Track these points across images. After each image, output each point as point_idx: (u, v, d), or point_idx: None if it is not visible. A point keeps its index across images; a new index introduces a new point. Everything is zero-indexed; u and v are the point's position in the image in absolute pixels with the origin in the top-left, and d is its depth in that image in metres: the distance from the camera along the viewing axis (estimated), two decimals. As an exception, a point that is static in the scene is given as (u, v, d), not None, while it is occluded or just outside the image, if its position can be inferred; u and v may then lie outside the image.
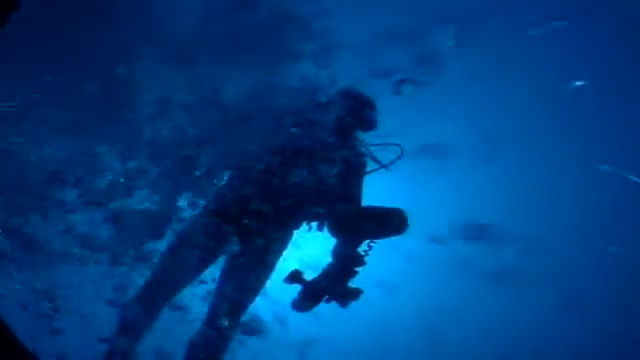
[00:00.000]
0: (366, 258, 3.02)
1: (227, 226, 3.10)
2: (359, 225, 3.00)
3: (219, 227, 3.12)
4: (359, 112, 3.21)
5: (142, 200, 3.35)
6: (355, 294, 2.95)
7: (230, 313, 3.09)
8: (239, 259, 3.16)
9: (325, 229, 3.17)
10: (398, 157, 3.24)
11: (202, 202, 3.29)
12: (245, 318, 3.20)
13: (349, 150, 3.22)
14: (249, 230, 3.09)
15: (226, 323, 3.07)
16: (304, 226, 3.29)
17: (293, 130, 3.14)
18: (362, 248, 3.05)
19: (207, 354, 3.07)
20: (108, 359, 3.00)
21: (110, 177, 3.43)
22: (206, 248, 3.12)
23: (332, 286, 2.93)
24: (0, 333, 2.10)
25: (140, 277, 3.26)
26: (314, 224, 3.25)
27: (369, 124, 3.25)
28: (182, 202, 3.31)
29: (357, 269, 3.00)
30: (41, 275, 3.87)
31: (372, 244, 3.02)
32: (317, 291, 2.91)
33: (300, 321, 3.60)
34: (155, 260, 3.24)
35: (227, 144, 3.25)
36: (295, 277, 2.96)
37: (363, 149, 3.28)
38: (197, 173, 3.22)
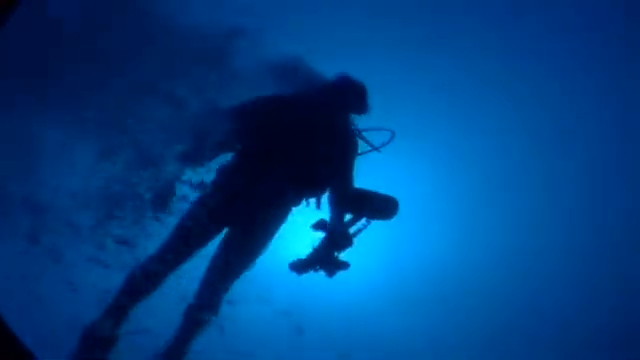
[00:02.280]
0: (355, 239, 3.25)
1: (229, 202, 3.31)
2: (362, 203, 3.24)
3: (222, 203, 3.31)
4: (357, 97, 3.46)
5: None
6: (342, 266, 3.19)
7: (223, 281, 3.37)
8: (238, 232, 3.40)
9: (323, 206, 3.41)
10: (389, 140, 3.47)
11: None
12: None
13: (346, 131, 3.49)
14: (250, 206, 3.32)
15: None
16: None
17: (295, 110, 3.38)
18: (354, 228, 3.28)
19: (199, 319, 3.35)
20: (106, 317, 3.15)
21: None
22: (209, 223, 3.31)
23: (322, 257, 3.18)
24: (0, 333, 2.12)
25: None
26: (312, 200, 3.48)
27: (364, 108, 3.49)
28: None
29: (346, 245, 3.22)
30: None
31: (366, 224, 3.25)
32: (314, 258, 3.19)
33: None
34: None
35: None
36: (321, 225, 3.24)
37: (356, 131, 3.53)
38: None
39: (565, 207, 9.72)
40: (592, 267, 9.79)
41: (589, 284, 9.87)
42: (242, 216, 3.35)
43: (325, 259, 3.17)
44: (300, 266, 3.20)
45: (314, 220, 3.30)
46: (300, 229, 3.42)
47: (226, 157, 3.48)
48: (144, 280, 3.19)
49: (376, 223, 3.28)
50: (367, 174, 3.55)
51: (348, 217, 3.30)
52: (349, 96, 3.43)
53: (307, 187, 3.41)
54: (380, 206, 3.22)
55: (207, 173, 3.46)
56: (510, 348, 9.36)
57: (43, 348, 3.05)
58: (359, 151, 3.53)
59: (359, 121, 3.54)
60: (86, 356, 3.06)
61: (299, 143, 3.33)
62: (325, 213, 3.41)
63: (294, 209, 3.53)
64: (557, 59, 9.13)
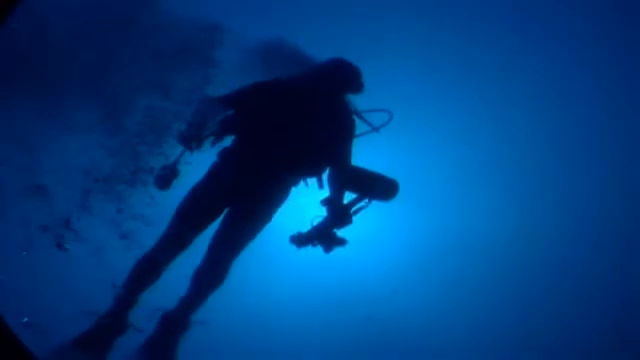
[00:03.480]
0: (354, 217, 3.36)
1: (229, 184, 3.45)
2: (360, 182, 3.35)
3: (222, 185, 3.46)
4: (352, 76, 3.58)
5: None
6: (340, 242, 3.31)
7: (227, 253, 3.47)
8: (238, 212, 3.51)
9: (325, 185, 3.51)
10: (388, 121, 3.57)
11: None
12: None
13: (343, 112, 3.58)
14: (249, 188, 3.45)
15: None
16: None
17: (292, 93, 3.48)
18: (354, 207, 3.40)
19: (205, 287, 3.46)
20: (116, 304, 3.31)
21: None
22: (212, 202, 3.47)
23: (321, 233, 3.30)
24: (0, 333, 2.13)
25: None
26: (311, 181, 3.61)
27: (359, 87, 3.61)
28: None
29: (345, 223, 3.34)
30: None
31: (367, 203, 3.35)
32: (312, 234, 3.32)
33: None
34: None
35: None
36: (328, 201, 3.41)
37: (355, 112, 3.62)
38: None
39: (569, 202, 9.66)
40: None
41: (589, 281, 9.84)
42: (242, 197, 3.46)
43: (324, 235, 3.28)
44: (300, 239, 3.32)
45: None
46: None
47: (227, 141, 3.60)
48: (149, 266, 3.34)
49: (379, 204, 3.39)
50: (372, 157, 3.62)
51: (352, 196, 3.39)
52: (344, 76, 3.54)
53: (304, 168, 3.52)
54: (378, 187, 3.31)
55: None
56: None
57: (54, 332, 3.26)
58: (357, 132, 3.62)
59: (355, 102, 3.64)
60: (95, 342, 3.21)
61: (296, 126, 3.43)
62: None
63: (294, 189, 3.65)
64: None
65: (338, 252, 3.35)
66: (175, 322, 3.43)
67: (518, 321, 9.61)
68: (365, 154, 3.64)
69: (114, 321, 3.28)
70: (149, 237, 3.51)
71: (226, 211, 3.52)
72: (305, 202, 3.60)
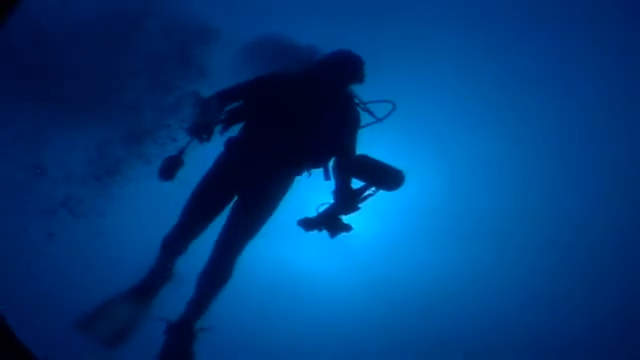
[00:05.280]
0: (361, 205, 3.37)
1: (235, 172, 3.51)
2: (365, 170, 3.31)
3: (229, 173, 3.53)
4: (356, 67, 3.65)
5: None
6: (346, 228, 3.35)
7: (233, 244, 3.52)
8: (245, 199, 3.56)
9: (331, 176, 3.55)
10: (390, 112, 3.55)
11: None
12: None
13: (347, 102, 3.64)
14: (254, 176, 3.50)
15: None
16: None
17: (298, 82, 3.54)
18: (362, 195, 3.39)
19: (211, 285, 3.50)
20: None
21: None
22: (218, 192, 3.54)
23: (327, 219, 3.35)
24: (1, 334, 2.10)
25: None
26: (314, 171, 3.64)
27: (361, 77, 3.67)
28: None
29: (351, 210, 3.37)
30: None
31: (375, 191, 3.32)
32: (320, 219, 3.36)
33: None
34: None
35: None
36: (334, 189, 3.46)
37: (360, 104, 3.66)
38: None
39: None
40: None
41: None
42: (246, 187, 3.52)
43: (330, 221, 3.33)
44: (307, 224, 3.36)
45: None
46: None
47: (234, 130, 3.64)
48: (171, 246, 3.47)
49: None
50: (375, 147, 3.62)
51: (360, 184, 3.39)
52: (348, 66, 3.61)
53: (309, 159, 3.56)
54: (384, 176, 3.25)
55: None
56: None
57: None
58: (362, 124, 3.65)
59: (357, 92, 3.68)
60: (144, 291, 3.42)
61: (301, 117, 3.47)
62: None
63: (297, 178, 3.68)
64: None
65: (346, 247, 3.39)
66: (183, 330, 3.43)
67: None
68: (369, 144, 3.68)
69: (159, 275, 3.45)
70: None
71: (231, 205, 3.58)
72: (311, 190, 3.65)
